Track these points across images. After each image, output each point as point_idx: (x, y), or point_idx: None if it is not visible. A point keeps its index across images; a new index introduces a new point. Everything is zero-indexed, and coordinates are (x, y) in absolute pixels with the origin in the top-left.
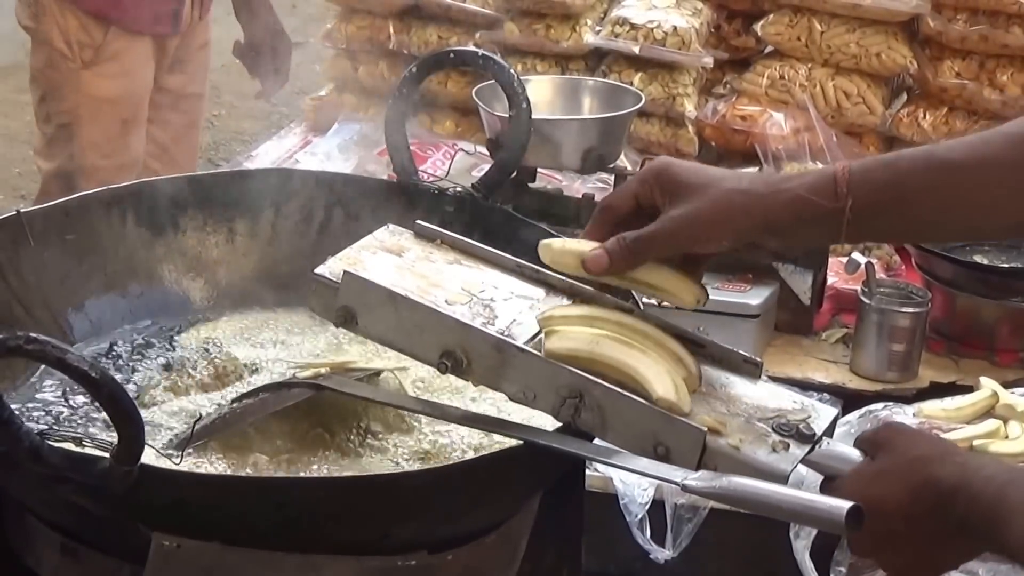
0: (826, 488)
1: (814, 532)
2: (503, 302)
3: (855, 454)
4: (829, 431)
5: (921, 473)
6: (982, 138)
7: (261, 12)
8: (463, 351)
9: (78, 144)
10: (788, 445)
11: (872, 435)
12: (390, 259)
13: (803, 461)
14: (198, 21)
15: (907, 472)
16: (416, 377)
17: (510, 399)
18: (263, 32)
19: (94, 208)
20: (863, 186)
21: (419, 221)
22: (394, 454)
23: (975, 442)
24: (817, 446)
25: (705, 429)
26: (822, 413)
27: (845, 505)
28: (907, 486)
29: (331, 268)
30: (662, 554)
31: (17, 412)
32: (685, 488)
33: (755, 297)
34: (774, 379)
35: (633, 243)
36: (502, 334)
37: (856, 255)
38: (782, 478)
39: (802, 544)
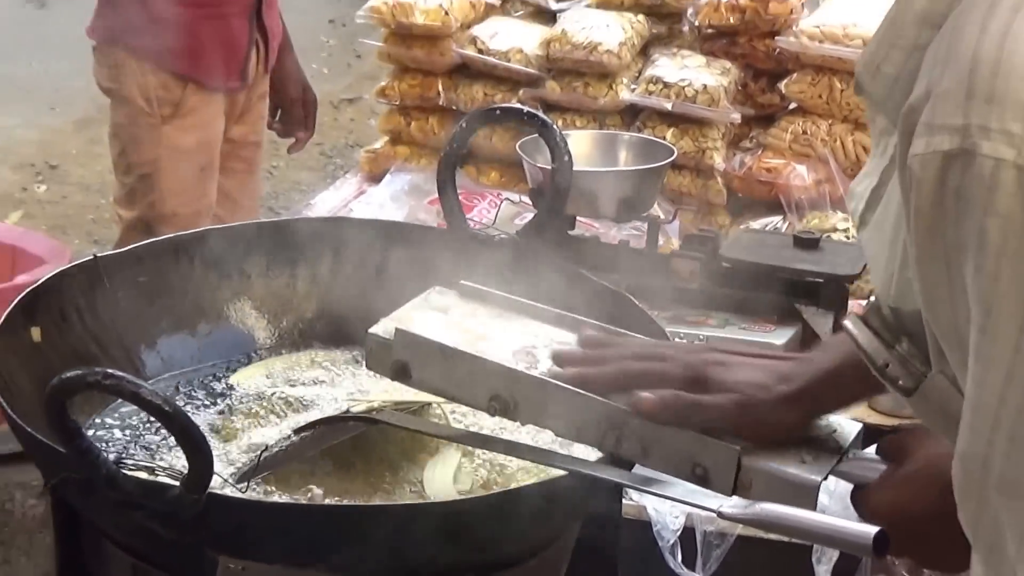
0: (856, 496)
1: (835, 556)
2: (544, 348)
3: (879, 461)
4: (856, 444)
5: (947, 474)
6: None
7: (292, 70)
8: (510, 394)
9: (158, 193)
10: (817, 457)
11: (894, 441)
12: (438, 316)
13: (832, 472)
14: (262, 75)
15: (934, 473)
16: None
17: (556, 435)
18: (295, 89)
19: (164, 253)
20: None
21: (463, 281)
22: (442, 485)
23: None
24: (844, 458)
25: (739, 448)
26: (846, 427)
27: (872, 530)
28: (935, 487)
29: (384, 327)
30: None
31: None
32: (721, 515)
33: (780, 337)
34: None
35: (681, 407)
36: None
37: (874, 297)
38: (813, 488)
39: (824, 568)
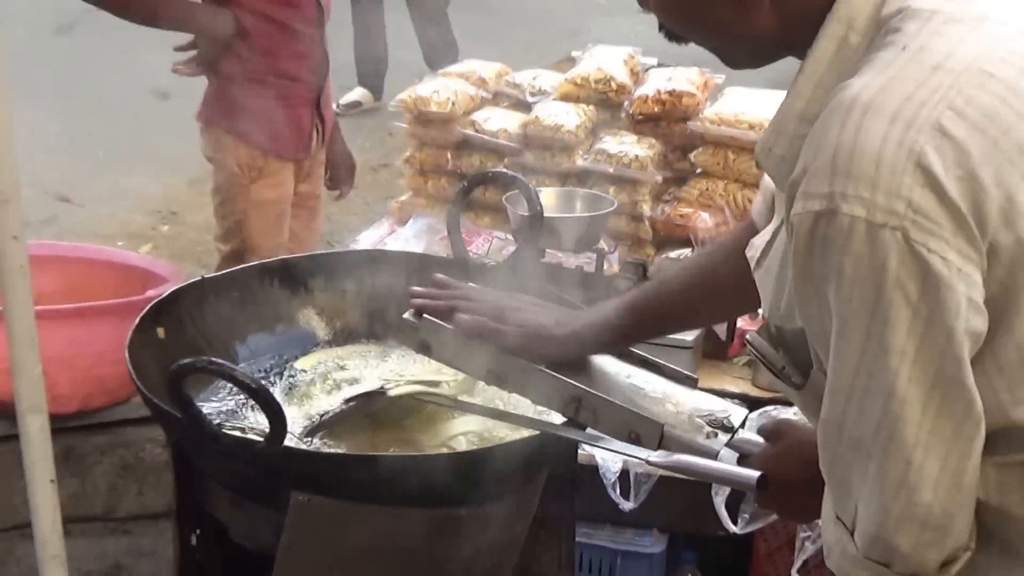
0: (741, 463)
1: (727, 492)
2: None
3: (760, 439)
4: (743, 425)
5: (809, 451)
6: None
7: (339, 144)
8: (501, 370)
9: (247, 233)
10: (717, 434)
11: (771, 427)
12: None
13: (727, 444)
14: (320, 147)
15: (800, 451)
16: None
17: (533, 403)
18: (341, 157)
19: (251, 275)
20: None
21: None
22: (449, 440)
23: None
24: (735, 434)
25: (663, 423)
26: (738, 413)
27: (756, 474)
28: (800, 460)
29: (412, 315)
30: (627, 505)
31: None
32: (650, 463)
33: (690, 334)
34: (702, 389)
35: (484, 330)
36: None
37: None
38: (713, 455)
39: (720, 500)
